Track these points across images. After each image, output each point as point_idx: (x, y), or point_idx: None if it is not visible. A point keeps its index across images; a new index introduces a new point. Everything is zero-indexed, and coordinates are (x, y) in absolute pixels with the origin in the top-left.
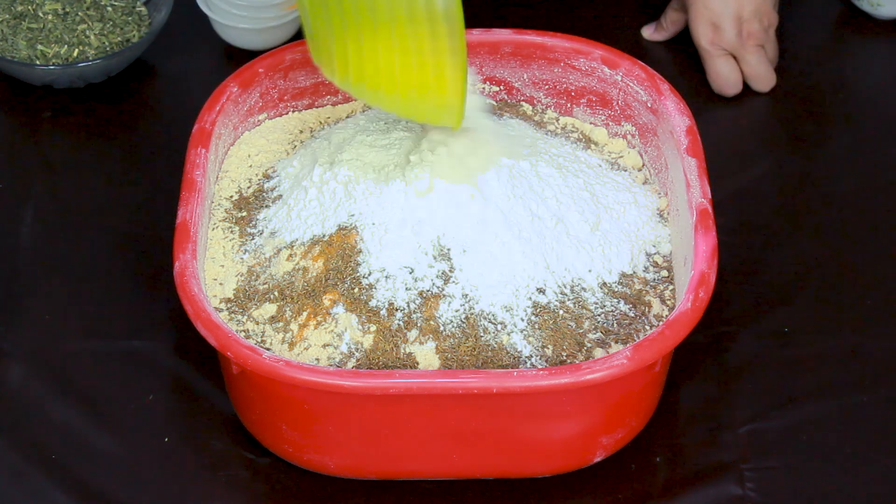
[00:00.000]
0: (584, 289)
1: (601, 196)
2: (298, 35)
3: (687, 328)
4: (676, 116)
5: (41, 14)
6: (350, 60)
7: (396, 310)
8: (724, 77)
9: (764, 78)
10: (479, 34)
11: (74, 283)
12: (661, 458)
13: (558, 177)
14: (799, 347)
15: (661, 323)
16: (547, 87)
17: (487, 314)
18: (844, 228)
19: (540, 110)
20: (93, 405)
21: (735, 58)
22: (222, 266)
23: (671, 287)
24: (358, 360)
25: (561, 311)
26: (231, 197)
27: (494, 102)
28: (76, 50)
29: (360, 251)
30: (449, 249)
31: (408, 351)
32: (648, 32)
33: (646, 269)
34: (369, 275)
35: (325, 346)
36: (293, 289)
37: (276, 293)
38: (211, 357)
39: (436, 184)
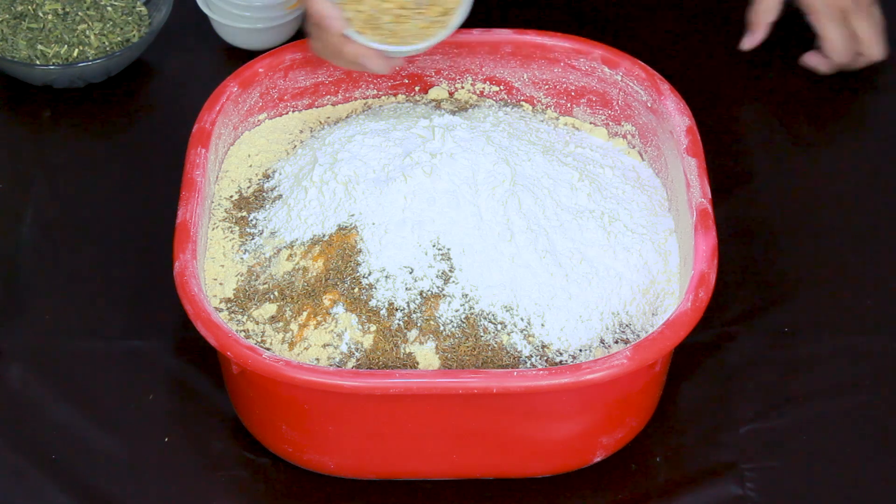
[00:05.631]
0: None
1: (605, 189)
2: (298, 35)
3: (687, 328)
4: (676, 116)
5: (41, 14)
6: None
7: (396, 310)
8: (838, 43)
9: (877, 42)
10: (479, 34)
11: (74, 283)
12: (661, 458)
13: (562, 172)
14: (799, 347)
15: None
16: (547, 87)
17: (487, 314)
18: (844, 228)
19: (540, 110)
20: (93, 405)
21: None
22: (222, 266)
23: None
24: (358, 360)
25: None
26: (231, 197)
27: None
28: (76, 50)
29: (360, 251)
30: (449, 249)
31: (408, 351)
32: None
33: (655, 263)
34: (369, 275)
35: (325, 346)
36: (293, 289)
37: (276, 293)
38: (211, 357)
39: (436, 183)
